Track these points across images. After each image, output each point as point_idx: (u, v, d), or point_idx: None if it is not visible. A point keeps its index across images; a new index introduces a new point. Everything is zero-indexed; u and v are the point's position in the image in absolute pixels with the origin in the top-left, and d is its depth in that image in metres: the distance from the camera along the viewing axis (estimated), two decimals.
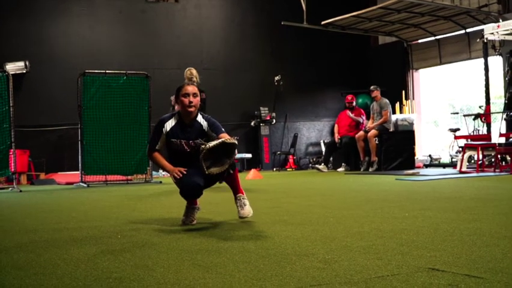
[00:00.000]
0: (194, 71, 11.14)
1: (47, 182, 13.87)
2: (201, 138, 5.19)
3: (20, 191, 11.22)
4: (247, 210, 5.10)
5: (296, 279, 2.89)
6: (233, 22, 18.72)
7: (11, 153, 11.79)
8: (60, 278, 3.11)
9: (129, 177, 13.02)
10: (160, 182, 12.98)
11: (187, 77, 11.14)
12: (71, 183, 12.84)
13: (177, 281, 2.92)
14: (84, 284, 2.94)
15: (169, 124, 5.32)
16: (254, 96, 18.23)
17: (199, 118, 5.31)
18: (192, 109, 5.22)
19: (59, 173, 14.79)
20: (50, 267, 3.41)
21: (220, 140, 4.69)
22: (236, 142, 4.80)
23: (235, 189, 5.26)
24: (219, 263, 3.36)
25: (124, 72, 13.24)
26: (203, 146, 4.74)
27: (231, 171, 5.12)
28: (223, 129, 5.25)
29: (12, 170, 11.86)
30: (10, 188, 11.54)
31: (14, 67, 14.77)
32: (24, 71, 15.22)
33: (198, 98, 5.27)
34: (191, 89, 5.25)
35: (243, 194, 5.23)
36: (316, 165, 16.48)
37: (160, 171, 15.91)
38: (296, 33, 18.08)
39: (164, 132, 5.30)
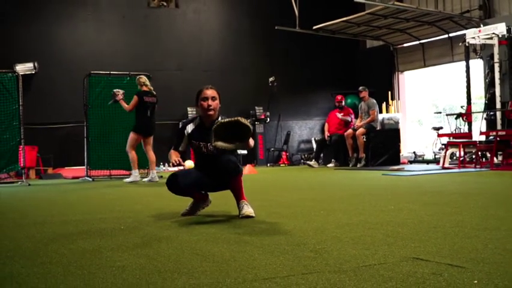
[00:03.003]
0: (145, 78, 11.53)
1: (54, 177, 13.85)
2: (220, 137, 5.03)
3: (29, 184, 11.20)
4: (249, 210, 4.96)
5: (289, 267, 2.89)
6: (230, 26, 18.69)
7: (20, 149, 11.76)
8: (66, 266, 3.10)
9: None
10: (161, 176, 12.94)
11: (141, 83, 11.31)
12: (77, 178, 12.81)
13: (177, 269, 2.92)
14: (89, 272, 2.93)
15: (190, 127, 5.33)
16: (249, 96, 18.21)
17: (220, 118, 5.08)
18: (211, 112, 5.16)
19: (66, 167, 14.76)
20: (57, 256, 3.40)
21: (235, 118, 4.59)
22: (250, 126, 4.69)
23: (238, 195, 5.06)
24: (216, 252, 3.35)
25: (127, 73, 13.23)
26: (217, 120, 4.77)
27: (235, 173, 5.00)
28: None
29: (22, 165, 11.83)
30: (19, 182, 11.51)
31: (23, 68, 14.72)
32: (33, 72, 15.17)
33: (217, 102, 5.20)
34: (210, 92, 5.17)
35: (245, 200, 5.05)
36: (308, 162, 16.46)
37: (161, 166, 15.89)
38: (289, 37, 18.06)
39: (186, 134, 5.34)
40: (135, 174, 11.17)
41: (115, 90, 11.51)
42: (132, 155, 11.16)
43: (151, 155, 11.26)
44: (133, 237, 4.05)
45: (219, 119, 5.06)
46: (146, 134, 11.34)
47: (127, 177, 11.53)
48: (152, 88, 11.51)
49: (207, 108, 5.14)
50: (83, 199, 7.96)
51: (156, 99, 11.48)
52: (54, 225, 4.92)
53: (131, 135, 11.21)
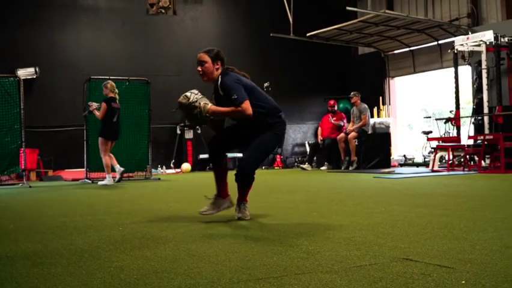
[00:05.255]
0: (113, 84, 11.57)
1: (54, 179, 13.81)
2: (222, 101, 4.92)
3: (30, 186, 11.17)
4: (245, 213, 4.87)
5: (282, 268, 2.88)
6: (226, 33, 18.69)
7: (21, 151, 11.73)
8: (66, 266, 3.09)
9: (130, 174, 12.98)
10: (159, 178, 12.96)
11: (110, 89, 11.38)
12: (77, 180, 12.79)
13: (173, 270, 2.91)
14: (87, 272, 2.93)
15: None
16: None
17: (219, 79, 4.92)
18: (204, 78, 5.00)
19: (66, 170, 14.73)
20: (56, 256, 3.40)
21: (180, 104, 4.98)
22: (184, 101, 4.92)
23: (240, 196, 4.95)
24: (212, 253, 3.35)
25: (127, 78, 13.22)
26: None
27: (238, 179, 4.90)
28: (233, 97, 4.74)
29: (22, 167, 11.80)
30: (20, 184, 11.47)
31: (24, 72, 14.69)
32: (35, 76, 15.16)
33: (208, 65, 4.91)
34: (198, 57, 4.98)
35: (246, 202, 4.94)
36: (301, 165, 16.47)
37: (159, 168, 15.88)
38: (284, 44, 18.07)
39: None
40: (109, 178, 11.17)
41: (89, 102, 11.59)
42: (106, 159, 11.18)
43: (107, 159, 11.25)
44: (130, 238, 4.04)
45: (220, 78, 4.93)
46: (113, 139, 11.41)
47: (102, 180, 11.48)
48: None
49: (199, 74, 5.00)
50: (82, 201, 7.94)
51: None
52: (54, 226, 4.90)
53: (101, 141, 11.25)
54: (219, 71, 4.95)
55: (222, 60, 4.99)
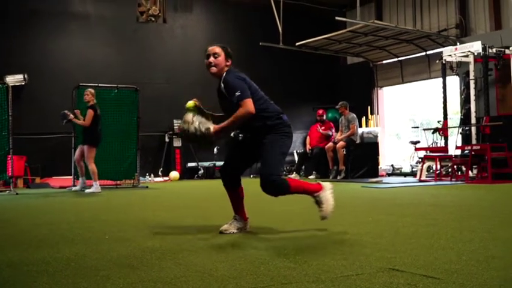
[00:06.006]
0: (92, 91, 11.66)
1: (42, 186, 13.74)
2: (223, 99, 4.73)
3: (17, 193, 11.11)
4: (323, 207, 4.62)
5: (269, 277, 2.88)
6: (216, 42, 18.61)
7: (8, 158, 11.67)
8: (52, 275, 3.08)
9: (118, 182, 12.95)
10: (147, 187, 12.93)
11: (93, 96, 11.46)
12: (65, 187, 12.73)
13: (160, 279, 2.90)
14: (73, 281, 2.91)
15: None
16: None
17: (223, 75, 4.72)
18: (212, 70, 4.75)
19: (54, 177, 14.67)
20: (43, 265, 3.38)
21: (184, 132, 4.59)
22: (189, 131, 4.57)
23: (308, 193, 4.70)
24: (199, 262, 3.34)
25: (116, 85, 13.21)
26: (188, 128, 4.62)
27: (272, 193, 4.62)
28: (236, 94, 4.50)
29: (10, 174, 11.74)
30: (7, 191, 11.39)
31: (13, 79, 14.62)
32: (23, 83, 15.08)
33: (220, 58, 4.73)
34: (211, 49, 4.81)
35: (318, 191, 4.67)
36: (289, 176, 16.45)
37: (147, 176, 15.84)
38: (273, 53, 18.09)
39: None
40: (96, 186, 11.16)
41: (63, 111, 11.54)
42: (92, 167, 11.18)
43: (94, 167, 11.25)
44: (117, 246, 4.03)
45: (224, 76, 4.71)
46: (97, 146, 11.46)
47: (89, 188, 11.45)
48: None
49: (208, 65, 4.77)
50: (69, 208, 7.90)
51: None
52: (41, 234, 4.87)
53: (89, 148, 11.25)
54: (227, 68, 4.78)
55: (232, 59, 4.87)
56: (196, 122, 4.61)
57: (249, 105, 4.45)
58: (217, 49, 4.78)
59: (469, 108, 13.41)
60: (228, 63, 4.77)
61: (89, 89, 11.68)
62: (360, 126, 17.23)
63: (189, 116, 4.65)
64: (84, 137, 11.42)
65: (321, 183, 4.71)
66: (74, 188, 11.71)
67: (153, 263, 3.36)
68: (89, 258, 3.54)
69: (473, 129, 13.26)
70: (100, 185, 11.34)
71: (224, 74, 4.69)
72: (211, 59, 4.74)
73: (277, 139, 4.63)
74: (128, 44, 17.38)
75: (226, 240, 4.25)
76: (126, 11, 17.51)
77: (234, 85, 4.55)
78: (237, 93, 4.47)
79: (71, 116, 11.47)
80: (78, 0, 16.80)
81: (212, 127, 4.58)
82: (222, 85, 4.64)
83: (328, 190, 4.71)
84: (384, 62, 19.63)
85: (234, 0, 19.03)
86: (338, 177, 14.57)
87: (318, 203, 4.64)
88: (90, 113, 11.31)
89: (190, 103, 4.84)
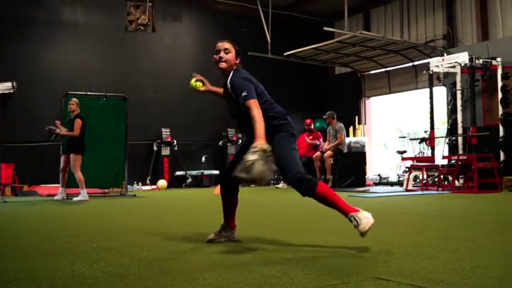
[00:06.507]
0: (77, 100, 11.68)
1: (29, 194, 13.68)
2: (228, 98, 4.58)
3: (4, 201, 11.04)
4: (361, 223, 4.12)
5: (256, 286, 2.88)
6: (204, 51, 18.63)
7: None
8: (39, 284, 3.06)
9: (105, 190, 12.91)
10: (134, 195, 12.89)
11: (78, 106, 11.46)
12: (53, 195, 12.67)
13: (147, 287, 2.90)
14: None
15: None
16: (222, 118, 18.17)
17: (230, 74, 4.59)
18: (222, 65, 4.61)
19: (42, 185, 14.60)
20: (31, 273, 3.36)
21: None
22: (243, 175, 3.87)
23: (342, 211, 4.32)
24: (186, 271, 3.34)
25: (104, 94, 13.19)
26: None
27: (307, 193, 4.36)
28: (242, 94, 4.34)
29: None
30: None
31: (1, 87, 14.59)
32: (12, 91, 15.03)
33: (231, 55, 4.63)
34: (221, 44, 4.69)
35: (355, 212, 4.24)
36: (276, 185, 16.42)
37: (135, 184, 15.81)
38: (261, 63, 18.09)
39: None
40: (84, 194, 11.16)
41: (48, 128, 11.47)
42: (79, 175, 11.17)
43: (80, 175, 11.25)
44: (104, 255, 4.01)
45: (230, 75, 4.57)
46: (83, 154, 11.48)
47: (77, 196, 11.41)
48: None
49: (218, 60, 4.62)
50: (56, 217, 7.87)
51: None
52: (28, 242, 4.86)
53: (76, 157, 11.27)
54: (235, 67, 4.66)
55: (240, 58, 4.77)
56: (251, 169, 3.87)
57: (256, 105, 4.30)
58: (228, 45, 4.68)
59: (456, 119, 13.49)
60: (237, 61, 4.67)
61: (74, 99, 11.68)
62: (348, 135, 17.27)
63: (248, 163, 3.87)
64: (69, 146, 11.38)
65: (360, 209, 4.30)
66: (55, 197, 11.66)
67: (140, 271, 3.35)
68: (77, 267, 3.53)
69: (460, 139, 13.34)
70: (88, 193, 11.31)
71: (231, 73, 4.58)
72: (222, 54, 4.62)
73: (284, 136, 4.47)
74: (117, 53, 17.36)
75: (213, 249, 4.25)
76: (115, 20, 17.50)
77: (240, 85, 4.43)
78: (244, 94, 4.34)
79: (57, 129, 11.44)
80: (67, 8, 16.76)
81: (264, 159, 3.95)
82: (229, 85, 4.53)
83: (366, 213, 4.27)
84: (372, 72, 19.71)
85: (222, 10, 19.07)
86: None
87: (353, 221, 4.19)
88: (78, 122, 11.30)
89: (198, 84, 4.89)
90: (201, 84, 4.92)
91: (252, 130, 4.22)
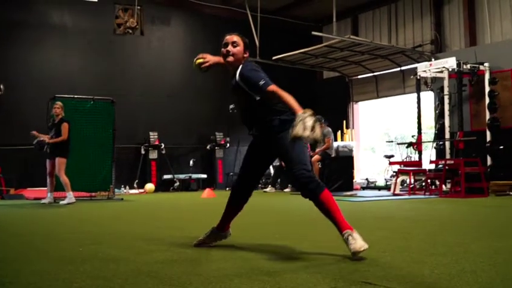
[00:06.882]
0: (61, 104, 11.64)
1: (16, 197, 13.60)
2: (237, 92, 4.41)
3: None
4: (360, 244, 3.82)
5: None
6: (193, 55, 18.49)
7: None
8: (26, 287, 3.04)
9: (93, 193, 12.86)
10: (122, 199, 12.84)
11: (61, 109, 11.44)
12: (40, 199, 12.59)
13: None
14: None
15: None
16: (211, 122, 18.24)
17: (239, 68, 4.41)
18: (229, 58, 4.46)
19: (29, 188, 14.53)
20: (16, 277, 3.34)
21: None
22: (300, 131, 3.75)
23: (336, 223, 4.08)
24: (173, 275, 3.32)
25: (91, 97, 13.14)
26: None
27: (312, 196, 4.15)
28: (260, 83, 4.22)
29: None
30: None
31: None
32: None
33: (239, 48, 4.48)
34: (230, 37, 4.54)
35: (350, 229, 3.95)
36: (264, 189, 16.42)
37: (122, 188, 15.75)
38: None
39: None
40: (70, 196, 11.12)
41: (36, 140, 11.40)
42: (64, 178, 11.14)
43: (66, 178, 11.22)
44: (90, 258, 3.99)
45: (239, 67, 4.41)
46: (68, 157, 11.45)
47: (63, 200, 11.37)
48: None
49: (226, 54, 4.48)
50: (43, 220, 7.82)
51: None
52: (15, 246, 4.83)
53: (62, 161, 11.22)
54: (243, 61, 4.50)
55: (249, 52, 4.63)
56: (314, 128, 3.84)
57: (278, 88, 4.20)
58: (236, 38, 4.53)
59: (443, 123, 13.56)
60: (245, 55, 4.53)
61: (58, 102, 11.64)
62: (336, 140, 17.31)
63: (310, 122, 3.84)
64: (54, 150, 11.31)
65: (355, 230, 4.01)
66: (42, 201, 11.60)
67: (127, 275, 3.33)
68: (63, 271, 3.51)
69: (447, 144, 13.40)
70: (75, 197, 11.27)
71: (240, 67, 4.42)
72: (230, 47, 4.48)
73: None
74: (105, 56, 17.33)
75: (201, 253, 4.23)
76: (103, 23, 17.47)
77: (253, 76, 4.29)
78: (261, 82, 4.21)
79: (45, 138, 11.34)
80: (55, 12, 16.72)
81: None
82: (238, 78, 4.36)
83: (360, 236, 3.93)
84: (360, 76, 19.78)
85: (211, 14, 19.07)
86: None
87: (348, 238, 3.89)
88: (66, 126, 11.27)
89: (199, 60, 4.76)
90: (201, 59, 4.77)
91: (264, 125, 4.27)
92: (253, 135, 4.52)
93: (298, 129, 3.75)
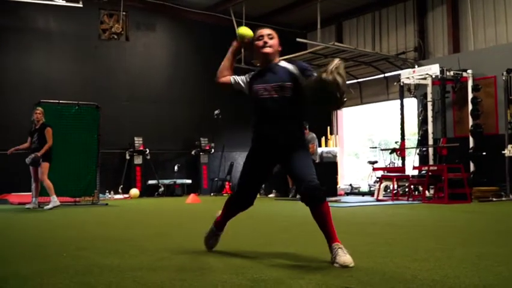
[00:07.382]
0: (42, 109, 11.64)
1: (0, 202, 13.51)
2: (288, 82, 4.29)
3: None
4: (346, 258, 3.72)
5: None
6: (178, 60, 18.69)
7: None
8: None
9: (77, 199, 12.79)
10: (106, 204, 12.78)
11: (42, 114, 11.43)
12: (24, 204, 12.51)
13: None
14: None
15: (250, 75, 4.65)
16: (195, 128, 18.21)
17: (283, 63, 4.39)
18: (267, 50, 4.34)
19: (13, 193, 14.43)
20: (0, 282, 3.32)
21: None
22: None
23: (327, 234, 4.01)
24: (157, 280, 3.31)
25: (76, 102, 13.07)
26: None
27: (317, 202, 4.14)
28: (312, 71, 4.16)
29: None
30: None
31: None
32: None
33: (275, 40, 4.38)
34: (263, 30, 4.40)
35: (339, 243, 3.89)
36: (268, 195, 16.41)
37: (107, 193, 15.68)
38: (235, 72, 18.12)
39: (246, 79, 4.70)
40: (54, 200, 11.09)
41: (30, 157, 11.32)
42: (47, 183, 11.11)
43: (49, 183, 11.19)
44: (74, 264, 3.97)
45: (281, 62, 4.41)
46: (51, 162, 11.41)
47: (48, 204, 11.30)
48: None
49: (263, 45, 4.35)
50: (27, 225, 7.78)
51: None
52: None
53: (46, 165, 11.22)
54: (277, 54, 4.46)
55: (281, 47, 4.51)
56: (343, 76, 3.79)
57: None
58: (270, 31, 4.41)
59: (426, 130, 13.62)
60: (279, 49, 4.46)
61: (39, 108, 11.61)
62: (320, 146, 17.34)
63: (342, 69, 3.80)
64: (43, 154, 11.25)
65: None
66: (27, 206, 11.53)
67: (111, 281, 3.32)
68: (46, 276, 3.48)
69: (430, 150, 13.46)
70: (61, 202, 11.22)
71: (283, 62, 4.41)
72: (266, 38, 4.35)
73: (303, 149, 4.41)
74: (90, 61, 17.26)
75: (185, 258, 4.22)
76: (88, 28, 17.40)
77: (306, 65, 4.25)
78: (313, 73, 4.14)
79: (37, 154, 11.27)
80: (40, 16, 16.64)
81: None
82: (290, 66, 4.33)
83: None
84: None
85: (196, 20, 19.05)
86: (298, 196, 14.59)
87: (338, 251, 3.81)
88: (49, 131, 11.25)
89: (248, 32, 4.59)
90: (250, 34, 4.58)
91: (287, 131, 4.32)
92: (265, 142, 4.53)
93: (330, 72, 3.80)
